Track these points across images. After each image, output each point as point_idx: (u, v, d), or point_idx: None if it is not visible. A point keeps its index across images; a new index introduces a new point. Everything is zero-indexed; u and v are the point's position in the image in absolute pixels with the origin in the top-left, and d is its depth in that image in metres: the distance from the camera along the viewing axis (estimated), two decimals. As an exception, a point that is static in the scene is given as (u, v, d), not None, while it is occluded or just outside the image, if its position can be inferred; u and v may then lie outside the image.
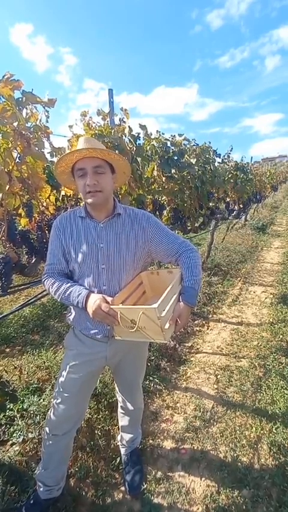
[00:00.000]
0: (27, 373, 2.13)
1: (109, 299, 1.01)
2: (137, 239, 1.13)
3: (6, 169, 1.26)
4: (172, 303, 1.01)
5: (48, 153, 1.61)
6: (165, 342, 0.96)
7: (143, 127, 2.16)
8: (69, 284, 1.09)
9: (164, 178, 2.44)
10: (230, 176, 4.09)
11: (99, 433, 1.69)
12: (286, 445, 1.63)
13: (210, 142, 3.01)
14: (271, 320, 3.04)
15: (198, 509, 1.36)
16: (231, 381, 2.16)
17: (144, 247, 1.15)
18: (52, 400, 1.25)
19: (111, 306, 0.98)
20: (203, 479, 1.49)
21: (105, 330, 1.12)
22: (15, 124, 1.24)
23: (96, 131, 1.78)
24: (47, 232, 1.50)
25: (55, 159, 1.78)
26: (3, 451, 1.58)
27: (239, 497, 1.38)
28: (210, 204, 3.38)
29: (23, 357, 2.43)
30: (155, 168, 2.38)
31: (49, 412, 1.23)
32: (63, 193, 1.97)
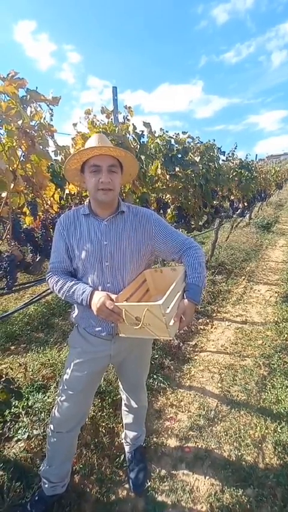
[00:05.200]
0: (31, 371, 2.14)
1: (113, 296, 1.01)
2: (141, 237, 1.13)
3: (10, 168, 1.26)
4: (176, 300, 1.01)
5: (52, 151, 1.62)
6: (170, 339, 0.96)
7: (146, 125, 2.15)
8: (73, 282, 1.09)
9: (167, 177, 2.43)
10: (234, 174, 4.05)
11: (104, 431, 1.70)
12: (291, 444, 1.62)
13: (214, 140, 2.99)
14: (276, 319, 3.02)
15: (202, 507, 1.36)
16: (236, 380, 2.15)
17: (148, 244, 1.15)
18: (56, 397, 1.25)
19: (116, 303, 0.98)
20: (207, 477, 1.48)
21: (109, 327, 1.13)
22: (20, 122, 1.24)
23: (100, 129, 1.77)
24: (51, 230, 1.51)
25: (59, 158, 1.78)
26: (9, 448, 1.59)
27: (243, 496, 1.38)
28: (215, 202, 3.36)
29: (28, 354, 2.45)
30: (159, 166, 2.37)
31: (54, 410, 1.24)
32: (68, 192, 1.97)
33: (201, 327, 2.94)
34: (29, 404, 1.81)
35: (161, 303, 0.88)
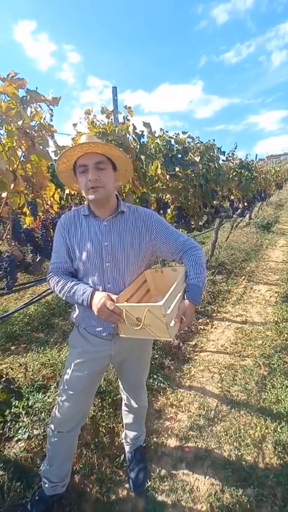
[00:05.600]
0: (32, 371, 2.14)
1: (114, 297, 1.01)
2: (141, 237, 1.13)
3: (11, 168, 1.26)
4: (177, 301, 1.01)
5: (52, 151, 1.61)
6: (170, 340, 0.96)
7: (146, 125, 2.15)
8: (74, 282, 1.09)
9: (167, 177, 2.43)
10: (234, 174, 4.05)
11: (104, 431, 1.70)
12: (291, 444, 1.62)
13: (214, 140, 2.99)
14: (276, 319, 3.03)
15: (202, 507, 1.36)
16: (236, 380, 2.15)
17: (149, 245, 1.15)
18: (57, 397, 1.26)
19: (117, 304, 0.98)
20: (207, 477, 1.49)
21: (110, 327, 1.13)
22: (20, 123, 1.24)
23: (100, 129, 1.77)
24: (51, 230, 1.51)
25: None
26: (9, 448, 1.59)
27: (243, 496, 1.38)
28: (215, 202, 3.36)
29: (28, 354, 2.45)
30: (159, 166, 2.37)
31: (54, 410, 1.24)
32: (68, 192, 1.97)
33: (201, 327, 2.94)
34: (29, 404, 1.82)
35: (161, 303, 0.88)
